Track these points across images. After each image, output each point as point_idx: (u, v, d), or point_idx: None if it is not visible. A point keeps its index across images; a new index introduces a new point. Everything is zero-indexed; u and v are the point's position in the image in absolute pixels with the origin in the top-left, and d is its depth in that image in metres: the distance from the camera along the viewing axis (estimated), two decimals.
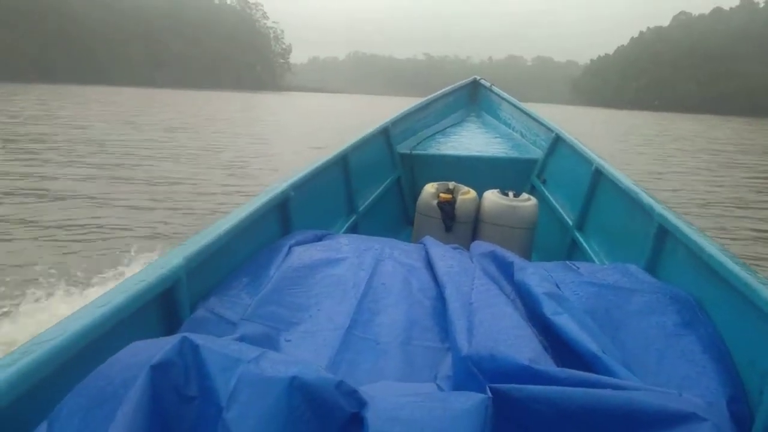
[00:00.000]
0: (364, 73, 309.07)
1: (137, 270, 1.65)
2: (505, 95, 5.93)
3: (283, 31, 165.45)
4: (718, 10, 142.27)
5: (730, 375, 1.55)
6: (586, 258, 3.20)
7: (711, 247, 1.91)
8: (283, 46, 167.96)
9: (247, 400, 1.03)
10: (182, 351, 1.09)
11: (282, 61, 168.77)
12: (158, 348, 1.08)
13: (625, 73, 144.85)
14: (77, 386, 1.05)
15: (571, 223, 3.66)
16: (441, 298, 1.86)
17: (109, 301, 1.38)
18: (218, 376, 1.07)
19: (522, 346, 1.35)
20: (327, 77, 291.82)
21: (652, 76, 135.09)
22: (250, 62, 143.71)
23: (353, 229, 3.60)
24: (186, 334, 1.14)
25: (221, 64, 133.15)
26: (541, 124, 4.97)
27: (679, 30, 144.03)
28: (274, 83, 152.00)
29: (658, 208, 2.43)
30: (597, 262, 2.99)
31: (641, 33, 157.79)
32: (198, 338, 1.13)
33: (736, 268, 1.72)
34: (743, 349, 1.62)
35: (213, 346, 1.13)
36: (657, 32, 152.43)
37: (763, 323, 1.54)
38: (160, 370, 1.03)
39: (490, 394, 1.08)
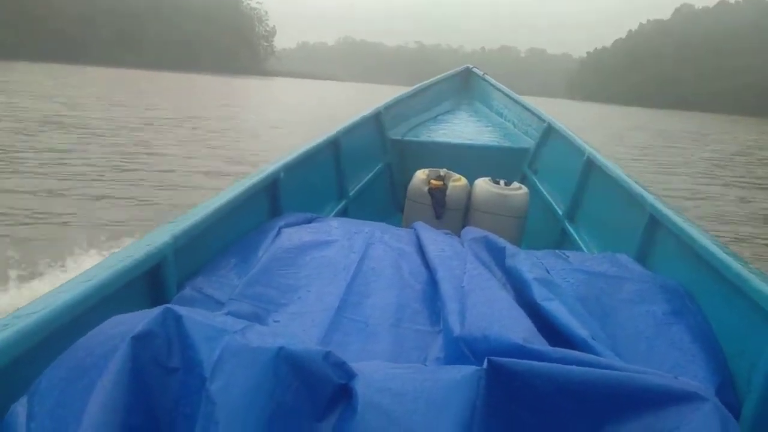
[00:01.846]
0: (354, 60, 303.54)
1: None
2: (498, 84, 5.89)
3: (266, 12, 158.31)
4: (723, 3, 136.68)
5: (719, 364, 1.56)
6: (575, 248, 3.19)
7: (702, 238, 1.93)
8: (267, 29, 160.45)
9: (232, 371, 1.01)
10: (165, 322, 1.06)
11: (266, 44, 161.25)
12: (140, 319, 1.05)
13: (624, 68, 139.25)
14: (57, 359, 1.03)
15: (561, 212, 3.66)
16: (431, 283, 1.85)
17: (93, 276, 1.35)
18: (202, 346, 1.04)
19: (515, 326, 1.33)
20: (316, 63, 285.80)
21: (653, 71, 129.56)
22: (231, 45, 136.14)
23: (343, 214, 3.54)
24: (169, 305, 1.11)
25: (200, 46, 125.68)
26: (533, 113, 4.93)
27: (681, 24, 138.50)
28: (257, 68, 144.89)
29: (650, 198, 2.45)
30: (586, 252, 2.99)
31: (641, 25, 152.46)
32: (182, 309, 1.10)
33: (727, 259, 1.73)
34: (732, 338, 1.63)
35: (197, 317, 1.10)
36: (658, 25, 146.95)
37: (752, 313, 1.54)
38: (141, 341, 1.01)
39: (486, 365, 1.06)
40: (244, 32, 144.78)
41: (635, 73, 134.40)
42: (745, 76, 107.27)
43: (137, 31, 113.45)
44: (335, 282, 1.82)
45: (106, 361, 0.98)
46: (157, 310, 1.08)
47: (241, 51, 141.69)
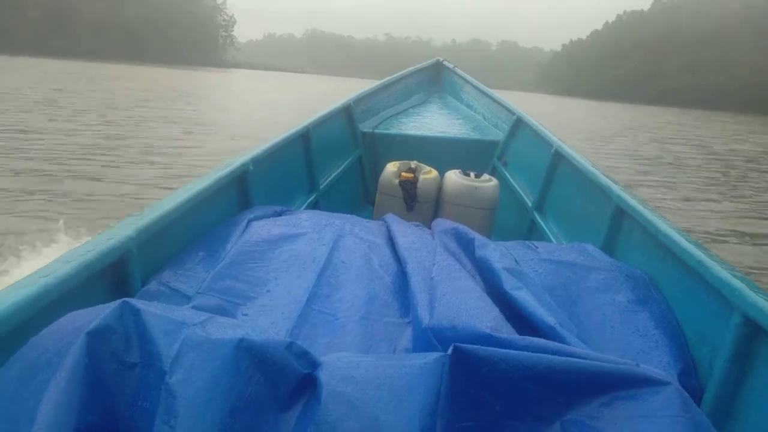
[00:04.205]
0: (322, 53, 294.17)
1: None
2: (468, 77, 5.89)
3: (225, 0, 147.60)
4: None
5: (682, 350, 1.61)
6: (544, 238, 3.23)
7: (665, 227, 1.99)
8: (226, 18, 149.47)
9: (192, 364, 0.99)
10: (122, 316, 1.03)
11: (224, 34, 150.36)
12: (96, 314, 1.02)
13: (601, 61, 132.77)
14: (11, 359, 1.00)
15: (530, 204, 3.68)
16: (402, 275, 1.85)
17: (51, 272, 1.30)
18: (161, 340, 1.02)
19: (483, 316, 1.35)
20: (283, 55, 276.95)
21: (633, 63, 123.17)
22: (184, 33, 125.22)
23: (314, 207, 3.52)
24: (127, 299, 1.08)
25: (149, 34, 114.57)
26: (503, 106, 4.96)
27: (661, 15, 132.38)
28: (216, 59, 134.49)
29: (616, 189, 2.49)
30: (555, 243, 3.03)
31: (618, 17, 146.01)
32: (139, 303, 1.07)
33: (689, 247, 1.78)
34: (695, 324, 1.68)
35: (156, 310, 1.07)
36: (636, 16, 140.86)
37: (713, 300, 1.59)
38: (97, 337, 0.98)
39: (451, 352, 1.07)
40: (199, 20, 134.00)
41: (613, 67, 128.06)
42: (736, 69, 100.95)
43: (72, 17, 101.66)
44: (304, 275, 1.80)
45: (60, 358, 0.94)
46: (113, 305, 1.05)
47: (197, 40, 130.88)
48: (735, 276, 1.55)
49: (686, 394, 1.07)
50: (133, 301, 1.07)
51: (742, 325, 1.44)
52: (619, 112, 50.60)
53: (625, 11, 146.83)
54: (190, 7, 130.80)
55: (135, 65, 69.38)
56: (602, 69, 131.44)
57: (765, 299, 1.41)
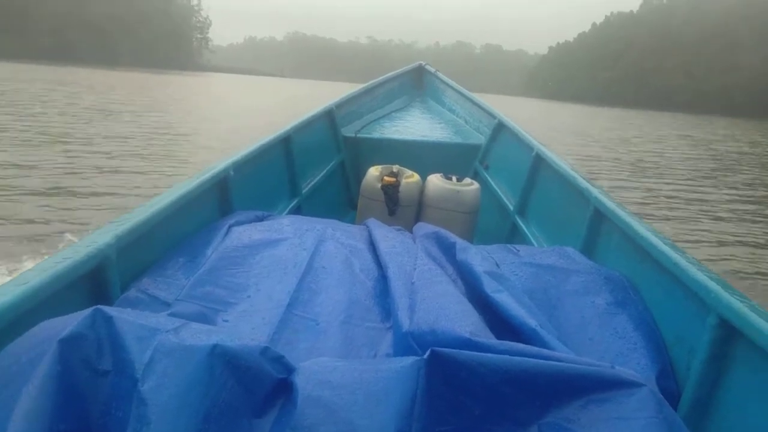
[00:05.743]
0: (303, 56, 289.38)
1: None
2: (450, 81, 5.89)
3: (200, 1, 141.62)
4: None
5: (660, 351, 1.63)
6: (525, 242, 3.27)
7: (643, 230, 2.02)
8: (201, 19, 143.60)
9: (164, 371, 0.99)
10: (95, 323, 1.03)
11: (199, 36, 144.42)
12: (69, 322, 1.02)
13: (590, 63, 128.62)
14: None
15: (512, 207, 3.72)
16: (383, 279, 1.85)
17: (28, 280, 1.28)
18: (133, 347, 1.01)
19: (462, 321, 1.36)
20: (264, 58, 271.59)
21: (625, 65, 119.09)
22: (156, 35, 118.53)
23: (296, 212, 3.51)
24: (100, 306, 1.07)
25: (117, 35, 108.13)
26: (485, 110, 4.98)
27: (651, 15, 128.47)
28: (190, 63, 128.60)
29: (595, 192, 2.53)
30: (536, 246, 3.07)
31: (606, 18, 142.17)
32: (112, 310, 1.07)
33: (667, 249, 1.80)
34: (672, 326, 1.70)
35: (128, 317, 1.07)
36: (625, 17, 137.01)
37: (690, 302, 1.62)
38: (69, 345, 0.97)
39: (428, 356, 1.08)
40: (173, 21, 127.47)
41: (602, 69, 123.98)
42: (740, 71, 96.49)
43: (23, 15, 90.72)
44: (285, 280, 1.80)
45: (32, 367, 0.94)
46: (86, 312, 1.05)
47: (170, 42, 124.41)
48: (711, 278, 1.56)
49: (660, 395, 1.09)
50: (106, 308, 1.06)
51: (718, 326, 1.46)
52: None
53: (612, 13, 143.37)
54: (163, 6, 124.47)
55: (98, 69, 62.93)
56: (590, 72, 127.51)
57: (739, 300, 1.43)
